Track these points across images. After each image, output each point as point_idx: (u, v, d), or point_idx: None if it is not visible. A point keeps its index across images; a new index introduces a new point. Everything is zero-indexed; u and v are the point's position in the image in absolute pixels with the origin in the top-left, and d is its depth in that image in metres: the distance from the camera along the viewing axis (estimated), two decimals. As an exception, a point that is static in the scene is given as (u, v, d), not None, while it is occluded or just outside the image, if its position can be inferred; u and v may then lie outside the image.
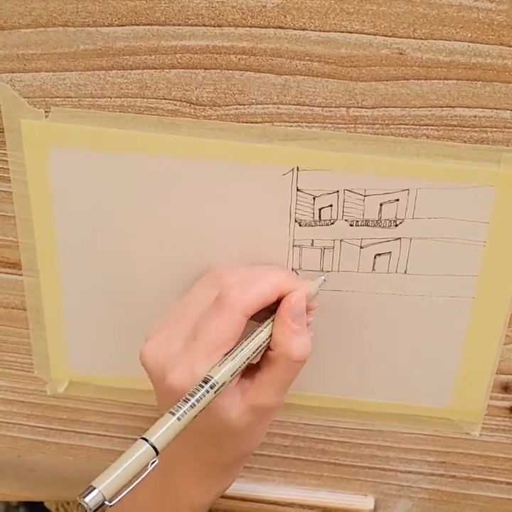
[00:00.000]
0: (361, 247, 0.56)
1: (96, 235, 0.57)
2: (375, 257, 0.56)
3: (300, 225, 0.55)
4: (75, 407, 0.68)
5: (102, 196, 0.56)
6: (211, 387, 0.48)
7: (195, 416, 0.47)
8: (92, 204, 0.56)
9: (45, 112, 0.53)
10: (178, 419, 0.46)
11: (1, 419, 0.70)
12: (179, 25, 0.49)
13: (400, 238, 0.55)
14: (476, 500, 0.69)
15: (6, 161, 0.55)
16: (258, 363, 0.53)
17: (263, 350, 0.52)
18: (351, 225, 0.55)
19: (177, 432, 0.46)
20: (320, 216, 0.55)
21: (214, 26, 0.49)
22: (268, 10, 0.48)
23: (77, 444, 0.71)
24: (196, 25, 0.49)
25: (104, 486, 0.42)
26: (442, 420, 0.63)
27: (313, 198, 0.54)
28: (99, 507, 0.42)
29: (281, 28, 0.48)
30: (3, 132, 0.54)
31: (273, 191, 0.54)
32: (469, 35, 0.47)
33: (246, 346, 0.50)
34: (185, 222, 0.56)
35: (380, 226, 0.55)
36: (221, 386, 0.48)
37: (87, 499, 0.41)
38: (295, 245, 0.56)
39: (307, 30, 0.48)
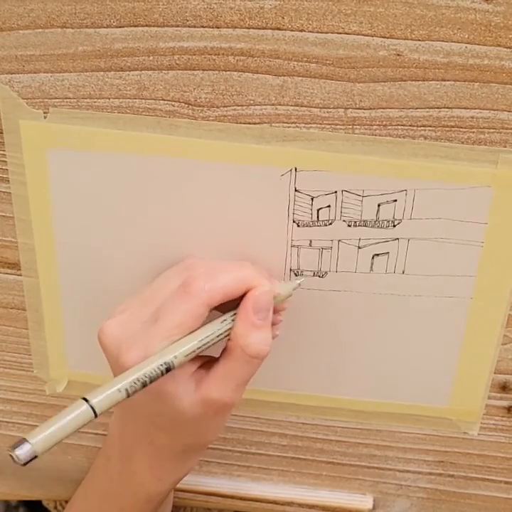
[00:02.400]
0: (359, 248, 0.56)
1: (94, 235, 0.57)
2: (373, 258, 0.56)
3: (298, 226, 0.55)
4: (75, 407, 0.68)
5: (100, 197, 0.56)
6: (161, 366, 0.47)
7: (139, 389, 0.46)
8: (90, 204, 0.56)
9: (44, 112, 0.53)
10: (123, 390, 0.45)
11: (1, 419, 0.70)
12: (177, 26, 0.49)
13: (397, 239, 0.55)
14: (474, 500, 0.69)
15: (5, 161, 0.55)
16: (219, 356, 0.52)
17: (220, 341, 0.51)
18: (349, 226, 0.55)
19: (119, 400, 0.45)
20: (318, 216, 0.55)
21: (212, 27, 0.49)
22: (266, 11, 0.48)
23: (75, 443, 0.71)
24: (194, 26, 0.49)
25: (36, 440, 0.42)
26: (440, 420, 0.63)
27: (312, 199, 0.54)
28: (30, 460, 0.42)
29: (279, 29, 0.49)
30: (2, 133, 0.54)
31: (271, 192, 0.54)
32: (467, 36, 0.48)
33: (203, 333, 0.50)
34: (184, 223, 0.56)
35: (377, 227, 0.55)
36: (170, 367, 0.48)
37: (18, 452, 0.41)
38: (293, 246, 0.56)
39: (305, 31, 0.48)
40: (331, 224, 0.55)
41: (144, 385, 0.46)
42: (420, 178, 0.52)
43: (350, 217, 0.54)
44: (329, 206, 0.54)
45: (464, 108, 0.50)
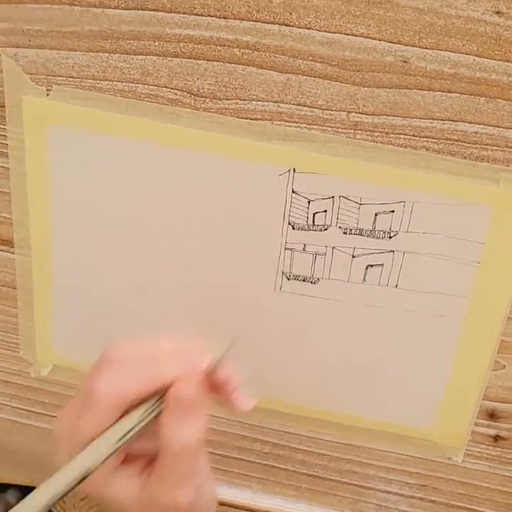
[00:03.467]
0: (353, 257, 0.55)
1: (90, 215, 0.57)
2: (366, 268, 0.55)
3: (293, 228, 0.54)
4: (59, 393, 0.68)
5: (97, 177, 0.55)
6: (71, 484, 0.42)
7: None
8: (87, 184, 0.56)
9: (47, 89, 0.53)
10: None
11: (-16, 398, 0.70)
12: (185, 13, 0.49)
13: (393, 251, 0.54)
14: (455, 529, 0.67)
15: (5, 136, 0.55)
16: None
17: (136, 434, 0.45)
18: (344, 233, 0.54)
19: None
20: (314, 221, 0.54)
21: (219, 17, 0.48)
22: (274, 5, 0.47)
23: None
24: (202, 15, 0.49)
25: None
26: (425, 442, 0.62)
27: (308, 202, 0.53)
28: None
29: (286, 25, 0.48)
30: (4, 107, 0.54)
31: (268, 190, 0.53)
32: (475, 48, 0.47)
33: (115, 434, 0.44)
34: (177, 210, 0.55)
35: (373, 237, 0.54)
36: (80, 481, 0.43)
37: None
38: (287, 248, 0.55)
39: (312, 29, 0.48)
40: (326, 229, 0.54)
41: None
42: (420, 190, 0.51)
43: (346, 224, 0.54)
44: (326, 211, 0.53)
45: (469, 122, 0.49)
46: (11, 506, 0.85)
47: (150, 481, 0.46)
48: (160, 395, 0.45)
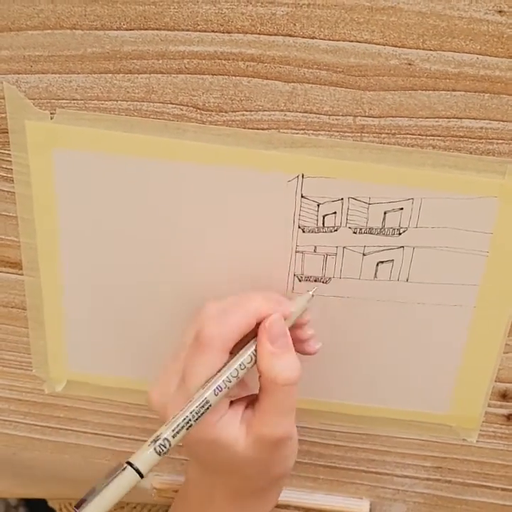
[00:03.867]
0: (364, 255, 0.56)
1: (98, 236, 0.57)
2: (377, 265, 0.56)
3: (303, 231, 0.55)
4: (73, 406, 0.68)
5: (105, 199, 0.55)
6: (191, 413, 0.48)
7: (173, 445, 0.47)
8: (95, 206, 0.56)
9: (51, 113, 0.53)
10: (159, 447, 0.46)
11: (-2, 417, 0.70)
12: (188, 30, 0.49)
13: (402, 247, 0.55)
14: (471, 506, 0.69)
15: (10, 161, 0.55)
16: (258, 393, 0.53)
17: (246, 373, 0.51)
18: (354, 233, 0.55)
19: (159, 459, 0.46)
20: (324, 223, 0.55)
21: (223, 32, 0.49)
22: (278, 18, 0.48)
23: (73, 443, 0.71)
24: (205, 31, 0.49)
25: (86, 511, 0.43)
26: (440, 426, 0.63)
27: (318, 205, 0.54)
28: None
29: (290, 36, 0.48)
30: (7, 133, 0.54)
31: (278, 197, 0.54)
32: (479, 47, 0.47)
33: (226, 371, 0.50)
34: (188, 226, 0.56)
35: (383, 234, 0.55)
36: (201, 411, 0.48)
37: None
38: (298, 251, 0.56)
39: (316, 38, 0.48)
40: (336, 230, 0.55)
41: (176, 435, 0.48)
42: (427, 187, 0.52)
43: (356, 224, 0.54)
44: (335, 213, 0.54)
45: (474, 118, 0.50)
46: (12, 507, 0.85)
47: (254, 419, 0.51)
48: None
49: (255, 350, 0.51)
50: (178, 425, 0.47)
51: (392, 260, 0.56)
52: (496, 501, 0.68)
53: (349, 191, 0.53)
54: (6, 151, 0.55)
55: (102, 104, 0.52)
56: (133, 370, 0.64)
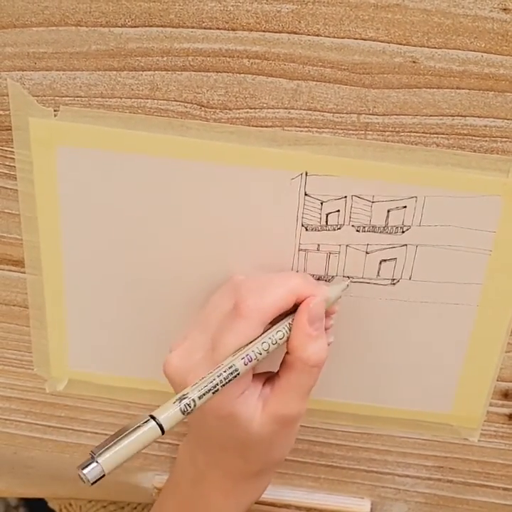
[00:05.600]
0: (367, 253, 0.56)
1: (101, 234, 0.57)
2: (380, 263, 0.56)
3: (306, 230, 0.55)
4: (74, 405, 0.68)
5: (108, 196, 0.55)
6: (218, 376, 0.48)
7: (200, 403, 0.47)
8: (98, 204, 0.56)
9: (54, 110, 0.52)
10: (185, 406, 0.46)
11: (-1, 416, 0.70)
12: (193, 27, 0.49)
13: (406, 245, 0.55)
14: (472, 505, 0.69)
15: (13, 158, 0.55)
16: (278, 371, 0.53)
17: (275, 349, 0.51)
18: (358, 231, 0.55)
19: (183, 417, 0.46)
20: (327, 221, 0.55)
21: (228, 30, 0.49)
22: (283, 15, 0.48)
23: (74, 442, 0.70)
24: (210, 28, 0.49)
25: (104, 459, 0.42)
26: (442, 425, 0.64)
27: (321, 203, 0.54)
28: (97, 480, 0.42)
29: (295, 33, 0.48)
30: (10, 130, 0.54)
31: (281, 195, 0.54)
32: (483, 45, 0.47)
33: (257, 342, 0.50)
34: (191, 224, 0.56)
35: (386, 232, 0.55)
36: (229, 377, 0.48)
37: (85, 471, 0.42)
38: (301, 249, 0.56)
39: (321, 36, 0.48)
40: (339, 229, 0.55)
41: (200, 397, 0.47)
42: (431, 185, 0.52)
43: (359, 222, 0.54)
44: (338, 211, 0.54)
45: (478, 116, 0.50)
46: (12, 507, 0.85)
47: (272, 397, 0.52)
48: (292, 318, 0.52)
49: (289, 329, 0.51)
50: (205, 387, 0.47)
51: (395, 259, 0.56)
52: (498, 501, 0.68)
53: (352, 189, 0.53)
54: (9, 148, 0.55)
55: (106, 101, 0.52)
56: (134, 369, 0.64)
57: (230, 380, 0.48)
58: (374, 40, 0.48)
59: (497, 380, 0.61)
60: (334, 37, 0.48)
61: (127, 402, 0.67)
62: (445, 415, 0.63)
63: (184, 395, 0.46)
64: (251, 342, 0.50)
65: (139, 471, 0.72)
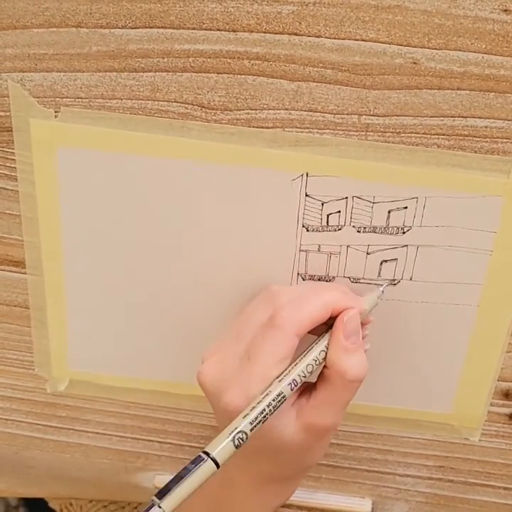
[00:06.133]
0: (368, 254, 0.56)
1: (102, 235, 0.57)
2: (381, 264, 0.56)
3: (307, 230, 0.55)
4: (75, 406, 0.68)
5: (109, 197, 0.55)
6: (267, 406, 0.48)
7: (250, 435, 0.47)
8: (99, 204, 0.56)
9: (55, 112, 0.52)
10: (237, 441, 0.46)
11: (0, 416, 0.70)
12: (193, 29, 0.49)
13: (406, 245, 0.55)
14: (473, 505, 0.69)
15: (14, 159, 0.55)
16: (315, 382, 0.53)
17: (319, 368, 0.51)
18: (358, 232, 0.55)
19: (235, 449, 0.46)
20: (328, 222, 0.55)
21: (228, 31, 0.49)
22: (283, 16, 0.48)
23: (75, 442, 0.71)
24: (210, 29, 0.49)
25: (166, 502, 0.43)
26: (443, 425, 0.64)
27: (322, 204, 0.54)
28: None
29: (295, 34, 0.48)
30: (11, 131, 0.54)
31: (282, 196, 0.54)
32: (484, 46, 0.47)
33: (301, 364, 0.50)
34: (192, 225, 0.56)
35: (387, 233, 0.55)
36: (277, 405, 0.48)
37: None
38: (302, 250, 0.56)
39: (322, 37, 0.48)
40: (340, 229, 0.55)
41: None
42: (432, 186, 0.52)
43: (360, 223, 0.54)
44: (339, 212, 0.54)
45: (479, 117, 0.50)
46: (12, 507, 0.85)
47: (308, 407, 0.51)
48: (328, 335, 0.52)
49: (327, 345, 0.51)
50: (255, 418, 0.47)
51: (396, 259, 0.56)
52: (498, 500, 0.68)
53: (353, 190, 0.53)
54: (10, 150, 0.55)
55: (107, 102, 0.52)
56: (135, 370, 0.64)
57: (278, 407, 0.48)
58: (375, 42, 0.48)
59: (498, 380, 0.61)
60: (335, 38, 0.48)
61: (128, 402, 0.67)
62: (446, 415, 0.63)
63: (235, 428, 0.46)
64: (294, 362, 0.50)
65: (139, 470, 0.72)
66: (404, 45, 0.48)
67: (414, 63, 0.48)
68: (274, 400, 0.48)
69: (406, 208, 0.53)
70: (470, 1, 0.46)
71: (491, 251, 0.54)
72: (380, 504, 0.70)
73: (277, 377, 0.49)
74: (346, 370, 0.50)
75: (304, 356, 0.51)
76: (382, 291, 0.56)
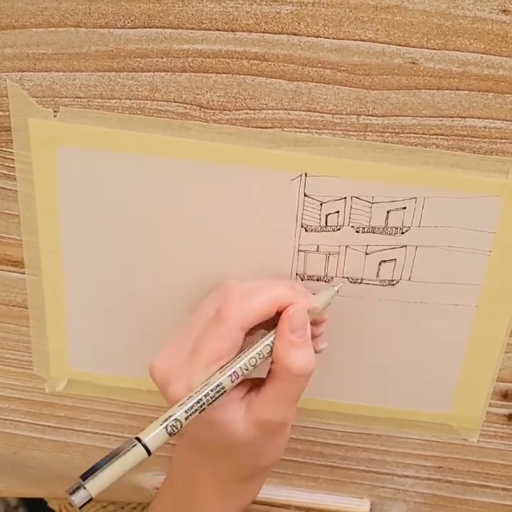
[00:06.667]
0: (366, 254, 0.56)
1: (100, 235, 0.57)
2: (379, 264, 0.56)
3: (306, 230, 0.55)
4: (73, 406, 0.68)
5: (108, 197, 0.55)
6: (205, 396, 0.48)
7: (185, 424, 0.47)
8: (97, 204, 0.56)
9: (54, 111, 0.52)
10: (171, 428, 0.46)
11: (-2, 416, 0.70)
12: (192, 29, 0.49)
13: (405, 246, 0.55)
14: (472, 506, 0.69)
15: (13, 159, 0.55)
16: (265, 378, 0.53)
17: (263, 363, 0.51)
18: (357, 232, 0.55)
19: (168, 438, 0.46)
20: (326, 222, 0.55)
21: (227, 31, 0.49)
22: (282, 16, 0.48)
23: (73, 442, 0.70)
24: (209, 29, 0.49)
25: (91, 484, 0.43)
26: (441, 426, 0.64)
27: (321, 204, 0.54)
28: (86, 504, 0.43)
29: (294, 34, 0.48)
30: (10, 131, 0.54)
31: (281, 196, 0.54)
32: (483, 46, 0.47)
33: (244, 357, 0.50)
34: (190, 224, 0.56)
35: (386, 233, 0.55)
36: (216, 396, 0.48)
37: (74, 497, 0.43)
38: (300, 250, 0.56)
39: (321, 37, 0.48)
40: (339, 230, 0.55)
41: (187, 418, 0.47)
42: (430, 186, 0.52)
43: (359, 223, 0.54)
44: (338, 212, 0.54)
45: (477, 118, 0.50)
46: (12, 507, 0.85)
47: (257, 403, 0.51)
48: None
49: (274, 340, 0.51)
50: (191, 407, 0.47)
51: (395, 259, 0.56)
52: (497, 501, 0.68)
53: (352, 190, 0.53)
54: (9, 149, 0.55)
55: (106, 102, 0.52)
56: (134, 370, 0.64)
57: (216, 398, 0.48)
58: (373, 42, 0.48)
59: (496, 381, 0.61)
60: (334, 38, 0.48)
61: (127, 402, 0.67)
62: (444, 416, 0.63)
63: (170, 415, 0.47)
64: (237, 355, 0.50)
65: (138, 471, 0.72)
66: (403, 45, 0.48)
67: (413, 63, 0.48)
68: (212, 391, 0.48)
69: (405, 208, 0.53)
70: (469, 1, 0.46)
71: (490, 251, 0.54)
72: (378, 505, 0.70)
73: (219, 370, 0.49)
74: (292, 365, 0.50)
75: (249, 350, 0.51)
76: (337, 290, 0.55)
